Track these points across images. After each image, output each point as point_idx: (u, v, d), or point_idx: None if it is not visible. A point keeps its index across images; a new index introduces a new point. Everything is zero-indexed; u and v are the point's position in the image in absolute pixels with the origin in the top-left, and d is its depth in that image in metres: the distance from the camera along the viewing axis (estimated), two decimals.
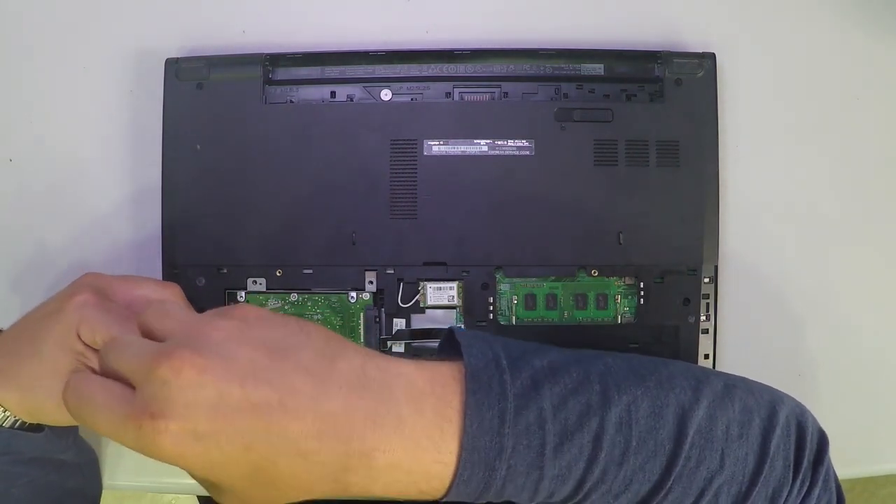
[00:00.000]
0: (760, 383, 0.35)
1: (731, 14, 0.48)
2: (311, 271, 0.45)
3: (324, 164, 0.45)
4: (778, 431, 0.33)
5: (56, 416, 0.39)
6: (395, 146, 0.45)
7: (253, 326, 0.31)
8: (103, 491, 0.48)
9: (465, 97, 0.45)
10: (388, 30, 0.48)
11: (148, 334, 0.32)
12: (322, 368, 0.30)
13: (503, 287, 0.45)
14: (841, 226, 0.47)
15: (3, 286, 0.49)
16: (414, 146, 0.45)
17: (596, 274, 0.45)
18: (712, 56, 0.45)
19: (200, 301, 0.45)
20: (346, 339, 0.32)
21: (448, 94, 0.45)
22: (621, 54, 0.46)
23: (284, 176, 0.45)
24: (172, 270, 0.45)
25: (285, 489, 0.30)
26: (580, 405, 0.31)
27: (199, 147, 0.45)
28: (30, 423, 0.40)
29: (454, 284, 0.45)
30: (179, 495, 0.48)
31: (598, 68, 0.45)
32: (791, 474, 0.32)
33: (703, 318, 0.45)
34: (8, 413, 0.39)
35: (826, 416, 0.36)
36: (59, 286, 0.48)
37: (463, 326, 0.45)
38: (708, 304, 0.45)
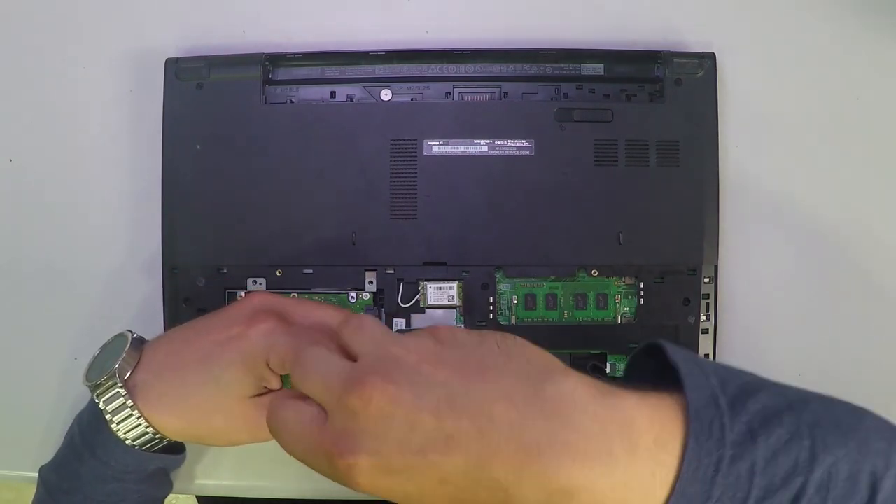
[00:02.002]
0: None
1: (731, 14, 0.48)
2: (311, 271, 0.45)
3: (324, 164, 0.45)
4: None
5: (228, 438, 0.39)
6: (395, 146, 0.45)
7: (448, 347, 0.29)
8: None
9: (465, 97, 0.45)
10: (388, 30, 0.48)
11: (342, 349, 0.31)
12: (525, 394, 0.28)
13: (503, 287, 0.45)
14: (841, 226, 0.47)
15: (3, 286, 0.49)
16: (414, 146, 0.45)
17: (596, 274, 0.45)
18: (712, 56, 0.45)
19: (200, 301, 0.45)
20: (552, 358, 0.29)
21: (448, 94, 0.45)
22: (621, 54, 0.46)
23: (284, 176, 0.45)
24: (172, 270, 0.45)
25: None
26: (789, 462, 0.28)
27: (199, 147, 0.45)
28: (174, 443, 0.41)
29: (454, 284, 0.45)
30: (179, 495, 0.48)
31: (598, 68, 0.45)
32: None
33: (703, 318, 0.45)
34: (158, 436, 0.39)
35: None
36: (60, 286, 0.48)
37: (463, 325, 0.45)
38: (708, 304, 0.45)
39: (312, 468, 0.29)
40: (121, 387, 0.38)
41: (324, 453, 0.28)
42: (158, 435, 0.39)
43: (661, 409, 0.28)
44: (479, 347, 0.30)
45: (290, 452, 0.30)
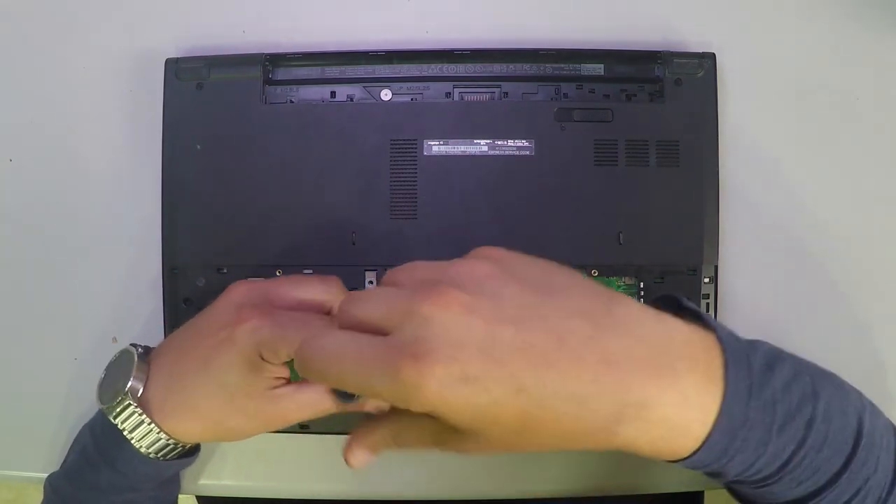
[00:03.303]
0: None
1: (731, 14, 0.48)
2: (311, 271, 0.45)
3: (324, 164, 0.45)
4: None
5: (246, 434, 0.39)
6: (395, 146, 0.45)
7: (513, 265, 0.29)
8: None
9: (465, 97, 0.45)
10: (388, 30, 0.48)
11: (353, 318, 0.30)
12: (598, 310, 0.28)
13: None
14: (841, 226, 0.47)
15: (3, 286, 0.49)
16: (414, 146, 0.45)
17: (596, 274, 0.45)
18: (712, 56, 0.45)
19: (201, 301, 0.45)
20: (613, 290, 0.31)
21: (448, 94, 0.45)
22: (621, 54, 0.46)
23: (284, 176, 0.45)
24: (172, 270, 0.45)
25: (545, 436, 0.28)
26: (799, 392, 0.31)
27: (199, 147, 0.45)
28: (189, 448, 0.41)
29: None
30: (180, 495, 0.48)
31: (598, 68, 0.45)
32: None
33: None
34: (175, 443, 0.39)
35: None
36: (59, 285, 0.48)
37: None
38: (708, 304, 0.45)
39: (370, 392, 0.27)
40: (136, 406, 0.38)
41: (391, 365, 0.26)
42: (175, 442, 0.39)
43: (704, 336, 0.30)
44: (543, 268, 0.30)
45: (340, 380, 0.28)
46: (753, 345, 0.32)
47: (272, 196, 0.45)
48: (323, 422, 0.45)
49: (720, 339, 0.31)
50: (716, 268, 0.45)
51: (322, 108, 0.45)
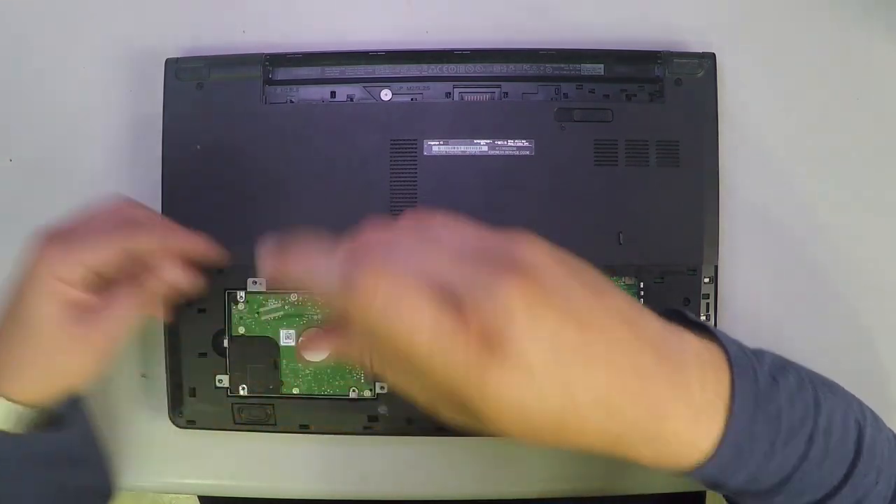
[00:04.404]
0: None
1: (731, 14, 0.48)
2: None
3: (324, 164, 0.45)
4: None
5: (81, 368, 0.38)
6: (395, 146, 0.45)
7: (562, 257, 0.29)
8: None
9: (465, 97, 0.45)
10: (388, 30, 0.48)
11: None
12: (635, 317, 0.28)
13: None
14: (841, 226, 0.47)
15: (3, 286, 0.49)
16: (414, 146, 0.45)
17: None
18: (712, 56, 0.45)
19: (200, 301, 0.45)
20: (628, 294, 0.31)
21: (448, 94, 0.45)
22: (621, 54, 0.46)
23: (284, 176, 0.45)
24: None
25: (566, 434, 0.28)
26: (803, 405, 0.31)
27: (199, 147, 0.45)
28: (47, 422, 0.39)
29: None
30: (179, 495, 0.48)
31: (598, 68, 0.45)
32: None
33: (703, 317, 0.44)
34: (20, 409, 0.38)
35: None
36: None
37: None
38: (708, 304, 0.45)
39: (430, 361, 0.26)
40: None
41: (465, 344, 0.25)
42: (25, 408, 0.38)
43: (712, 348, 0.30)
44: (581, 264, 0.29)
45: (408, 337, 0.26)
46: (759, 356, 0.32)
47: (272, 196, 0.45)
48: (323, 422, 0.46)
49: (727, 352, 0.30)
50: (716, 268, 0.45)
51: (322, 108, 0.45)
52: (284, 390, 0.45)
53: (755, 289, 0.47)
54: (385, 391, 0.45)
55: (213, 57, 0.46)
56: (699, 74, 0.45)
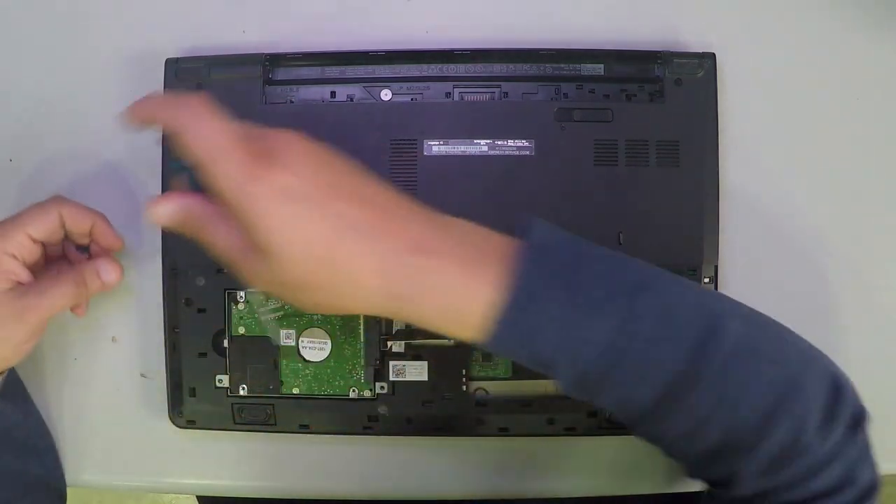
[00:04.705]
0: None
1: (731, 14, 0.48)
2: None
3: None
4: (816, 373, 0.34)
5: (15, 340, 0.41)
6: (395, 146, 0.45)
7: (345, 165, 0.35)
8: (101, 490, 0.48)
9: (465, 97, 0.45)
10: (388, 30, 0.48)
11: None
12: (401, 198, 0.34)
13: None
14: (841, 226, 0.47)
15: None
16: (414, 146, 0.45)
17: None
18: (712, 56, 0.45)
19: (200, 301, 0.45)
20: None
21: (448, 94, 0.45)
22: (621, 54, 0.46)
23: None
24: (172, 270, 0.45)
25: (340, 270, 0.32)
26: (622, 279, 0.33)
27: None
28: None
29: None
30: (179, 495, 0.48)
31: (598, 68, 0.45)
32: (825, 423, 0.32)
33: None
34: None
35: None
36: None
37: None
38: None
39: (216, 169, 0.31)
40: None
41: (243, 155, 0.31)
42: None
43: (509, 240, 0.34)
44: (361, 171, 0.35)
45: (206, 142, 0.32)
46: (586, 243, 0.34)
47: None
48: (323, 422, 0.46)
49: (525, 230, 0.34)
50: (716, 268, 0.45)
51: (322, 108, 0.45)
52: (284, 390, 0.45)
53: (755, 289, 0.47)
54: (385, 391, 0.45)
55: (213, 57, 0.46)
56: (699, 74, 0.45)
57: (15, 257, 0.41)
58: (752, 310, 0.35)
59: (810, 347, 0.35)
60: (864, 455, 0.34)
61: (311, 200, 0.31)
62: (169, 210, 0.34)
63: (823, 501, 0.32)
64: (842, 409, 0.33)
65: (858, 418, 0.34)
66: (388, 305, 0.33)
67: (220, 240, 0.34)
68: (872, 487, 0.33)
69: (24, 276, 0.41)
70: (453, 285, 0.32)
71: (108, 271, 0.44)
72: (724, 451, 0.33)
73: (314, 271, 0.32)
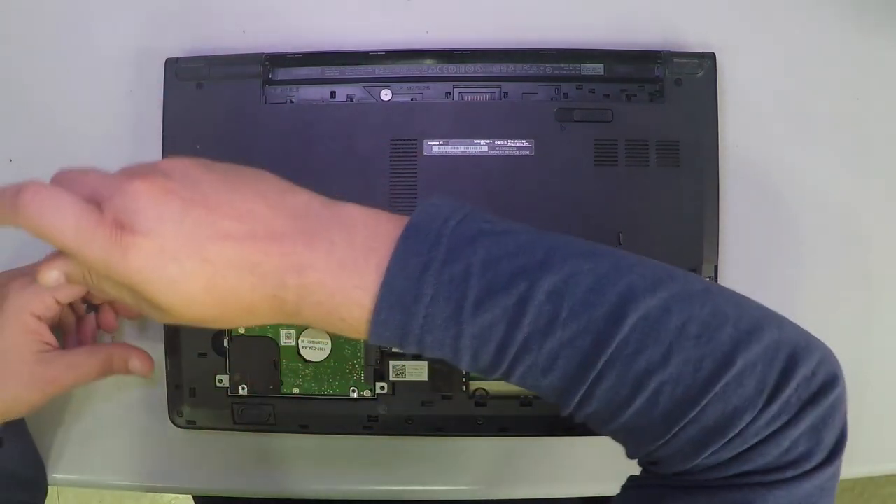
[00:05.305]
0: (771, 310, 0.34)
1: (731, 14, 0.48)
2: None
3: (324, 164, 0.45)
4: (756, 349, 0.30)
5: (26, 401, 0.40)
6: (395, 146, 0.45)
7: (210, 165, 0.34)
8: (101, 490, 0.48)
9: (465, 97, 0.45)
10: (388, 30, 0.48)
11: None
12: (275, 198, 0.33)
13: None
14: (841, 226, 0.47)
15: None
16: (414, 146, 0.45)
17: None
18: (712, 56, 0.45)
19: None
20: (293, 184, 0.35)
21: (448, 94, 0.45)
22: (621, 54, 0.46)
23: (284, 176, 0.45)
24: None
25: (232, 308, 0.32)
26: (513, 266, 0.31)
27: (199, 147, 0.45)
28: None
29: None
30: (179, 495, 0.48)
31: (598, 68, 0.45)
32: (763, 401, 0.30)
33: None
34: None
35: None
36: None
37: None
38: None
39: (82, 252, 0.30)
40: None
41: (102, 227, 0.30)
42: None
43: (385, 218, 0.33)
44: (235, 168, 0.34)
45: (55, 234, 0.30)
46: (477, 223, 0.32)
47: None
48: (323, 422, 0.46)
49: (410, 222, 0.32)
50: (716, 268, 0.45)
51: (322, 108, 0.45)
52: (284, 390, 0.45)
53: (755, 289, 0.47)
54: (385, 391, 0.45)
55: (213, 57, 0.46)
56: (699, 74, 0.45)
57: (40, 319, 0.41)
58: (688, 281, 0.33)
59: (761, 319, 0.32)
60: (818, 430, 0.31)
61: (184, 253, 0.31)
62: (53, 276, 0.33)
63: (761, 478, 0.30)
64: (791, 383, 0.30)
65: (818, 391, 0.31)
66: (284, 320, 0.33)
67: (113, 295, 0.33)
68: (823, 465, 0.31)
69: (53, 341, 0.41)
70: (332, 294, 0.32)
71: (136, 367, 0.44)
72: (646, 432, 0.31)
73: (207, 315, 0.32)
